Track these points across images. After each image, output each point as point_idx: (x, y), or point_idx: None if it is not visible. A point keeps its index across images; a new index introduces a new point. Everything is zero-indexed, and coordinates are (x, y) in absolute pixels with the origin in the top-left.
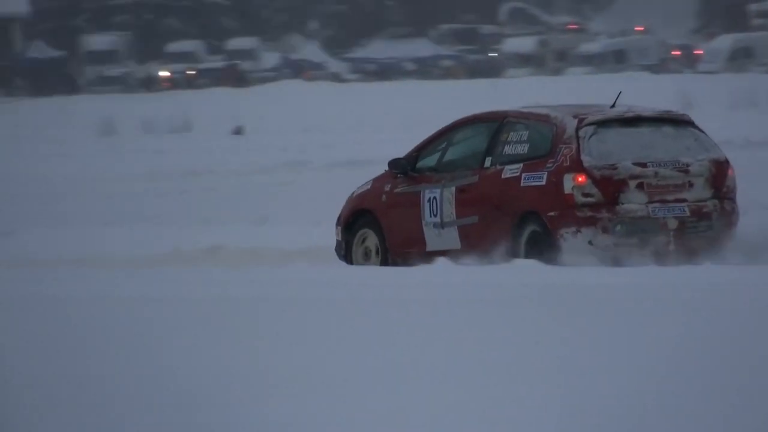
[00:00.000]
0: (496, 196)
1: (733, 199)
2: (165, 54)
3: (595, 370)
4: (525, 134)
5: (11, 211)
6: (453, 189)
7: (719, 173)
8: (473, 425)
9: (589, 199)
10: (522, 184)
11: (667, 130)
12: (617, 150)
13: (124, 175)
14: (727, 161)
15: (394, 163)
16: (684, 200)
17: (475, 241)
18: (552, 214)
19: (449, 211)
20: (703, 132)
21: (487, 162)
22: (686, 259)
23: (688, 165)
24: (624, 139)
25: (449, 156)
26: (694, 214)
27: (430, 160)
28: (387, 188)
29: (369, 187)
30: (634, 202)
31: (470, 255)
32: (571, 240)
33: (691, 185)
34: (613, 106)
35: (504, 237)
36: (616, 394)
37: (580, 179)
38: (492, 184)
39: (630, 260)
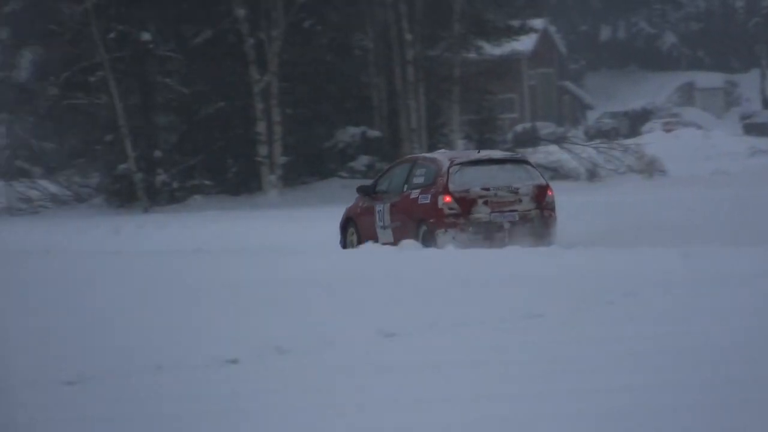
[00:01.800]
0: (408, 209)
1: (551, 209)
2: None
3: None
4: (423, 170)
5: None
6: (389, 204)
7: (540, 193)
8: None
9: (453, 211)
10: (419, 202)
11: (508, 166)
12: (471, 180)
13: None
14: (547, 185)
15: (361, 188)
16: (515, 210)
17: (399, 237)
18: (432, 220)
19: (387, 218)
20: (534, 167)
21: (405, 188)
22: (518, 245)
23: (518, 188)
24: (477, 173)
25: (389, 183)
26: (521, 219)
27: (381, 186)
28: (360, 204)
29: (353, 203)
30: (481, 213)
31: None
32: (442, 236)
33: (520, 201)
34: (478, 152)
35: (412, 234)
36: None
37: (446, 199)
38: (406, 201)
39: (479, 248)
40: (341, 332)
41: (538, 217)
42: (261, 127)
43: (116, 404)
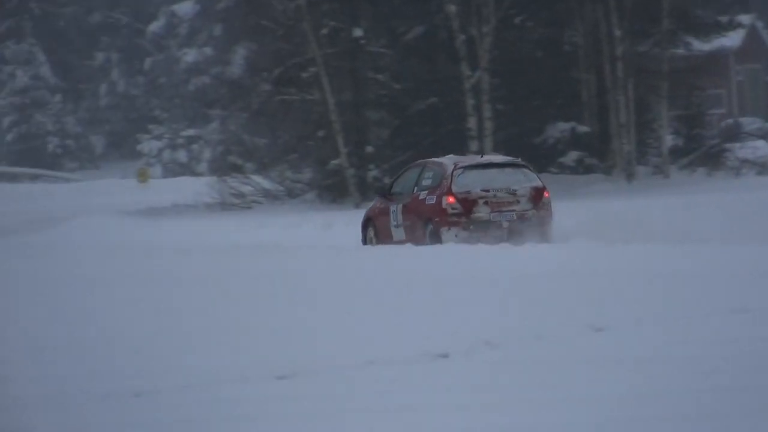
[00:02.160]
0: (417, 209)
1: (547, 209)
2: None
3: None
4: (431, 174)
5: None
6: (401, 205)
7: (537, 195)
8: None
9: (455, 211)
10: (426, 203)
11: (508, 170)
12: (473, 182)
13: None
14: (543, 188)
15: (378, 190)
16: (513, 210)
17: (410, 235)
18: (437, 219)
19: (400, 218)
20: (532, 171)
21: (415, 190)
22: (516, 243)
23: (516, 190)
24: (478, 176)
25: (402, 186)
26: (519, 218)
27: (396, 188)
28: (377, 205)
29: (372, 204)
30: (481, 212)
31: (409, 242)
32: (446, 233)
33: (518, 202)
34: (481, 156)
35: (420, 232)
36: None
37: (450, 200)
38: (416, 202)
39: (480, 244)
40: (550, 326)
41: (534, 216)
42: (472, 122)
43: (326, 399)
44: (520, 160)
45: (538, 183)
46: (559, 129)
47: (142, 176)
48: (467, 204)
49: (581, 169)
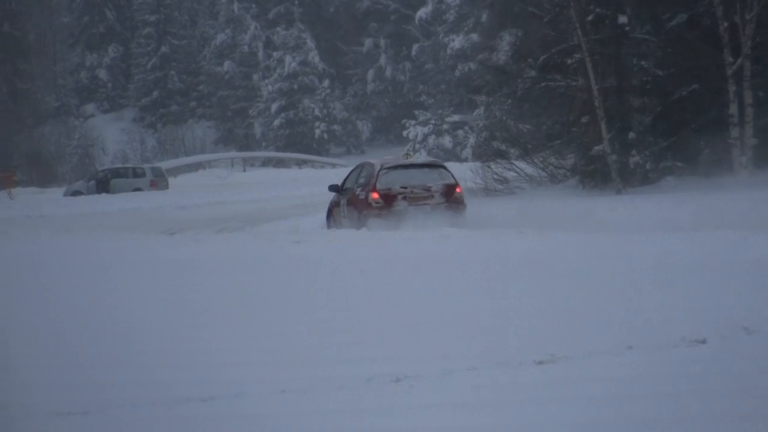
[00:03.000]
0: (355, 203)
1: (459, 203)
2: None
3: None
4: (366, 173)
5: None
6: (346, 199)
7: (449, 190)
8: None
9: (378, 205)
10: (359, 197)
11: (426, 170)
12: (394, 180)
13: None
14: (456, 184)
15: (332, 187)
16: (428, 204)
17: (351, 224)
18: (365, 211)
19: (345, 210)
20: (447, 170)
21: (355, 187)
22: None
23: (431, 186)
24: (399, 175)
25: (349, 183)
26: (433, 210)
27: (345, 185)
28: (334, 199)
29: (332, 198)
30: (400, 206)
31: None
32: (371, 223)
33: (432, 196)
34: (405, 158)
35: (357, 223)
36: None
37: (374, 195)
38: (353, 197)
39: (399, 230)
40: None
41: (446, 208)
42: (733, 109)
43: (583, 384)
44: (438, 161)
45: (451, 180)
46: None
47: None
48: (389, 198)
49: None
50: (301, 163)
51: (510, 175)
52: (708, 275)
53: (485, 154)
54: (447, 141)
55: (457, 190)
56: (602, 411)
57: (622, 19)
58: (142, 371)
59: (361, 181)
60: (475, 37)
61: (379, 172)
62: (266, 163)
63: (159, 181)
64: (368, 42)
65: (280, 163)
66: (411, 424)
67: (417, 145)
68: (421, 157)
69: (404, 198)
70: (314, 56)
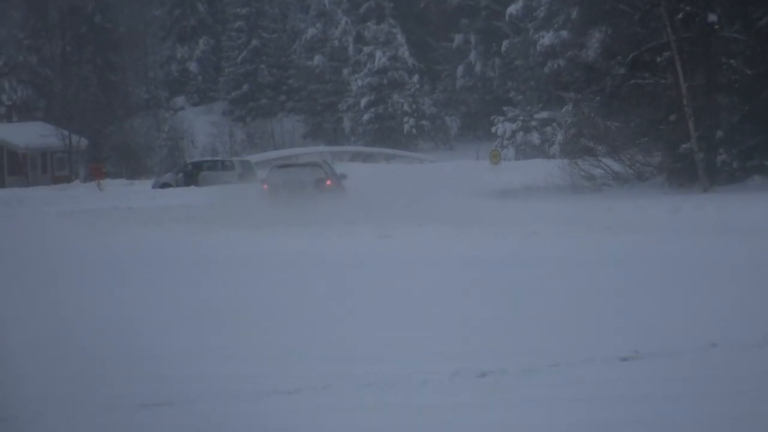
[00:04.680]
0: (261, 193)
1: (327, 191)
2: None
3: None
4: (268, 170)
5: None
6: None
7: (321, 182)
8: None
9: (268, 193)
10: (262, 188)
11: (306, 168)
12: (279, 176)
13: None
14: (327, 178)
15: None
16: (303, 193)
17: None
18: (263, 199)
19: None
20: (322, 168)
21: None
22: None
23: (307, 180)
24: (284, 172)
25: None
26: (309, 197)
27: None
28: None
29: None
30: (281, 195)
31: None
32: (267, 207)
33: (306, 187)
34: (295, 159)
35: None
36: None
37: (264, 187)
38: (261, 188)
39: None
40: None
41: (320, 197)
42: None
43: (668, 382)
44: (319, 161)
45: (323, 176)
46: None
47: (495, 158)
48: (273, 189)
49: None
50: (389, 158)
51: (597, 172)
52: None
53: (573, 151)
54: (535, 137)
55: (327, 182)
56: (684, 408)
57: (712, 17)
58: (225, 364)
59: (265, 176)
60: (564, 33)
61: (270, 169)
62: (355, 157)
63: (247, 174)
64: (458, 38)
65: (368, 158)
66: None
67: (505, 141)
68: (306, 158)
69: (285, 189)
70: (404, 51)
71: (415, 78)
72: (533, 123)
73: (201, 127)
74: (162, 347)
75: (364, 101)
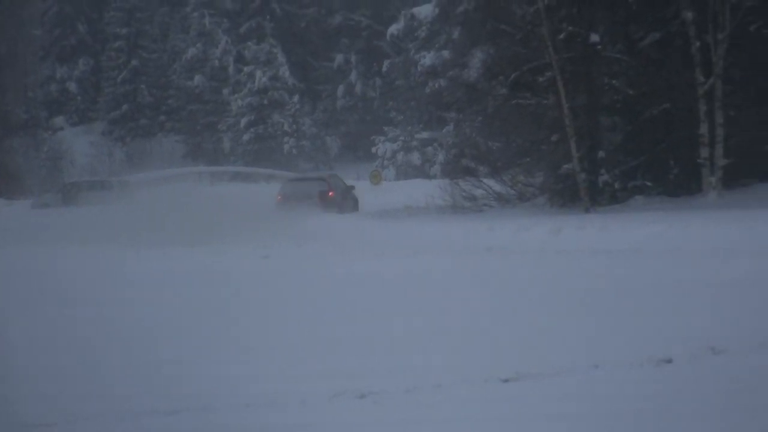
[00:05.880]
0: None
1: (329, 202)
2: None
3: None
4: (280, 184)
5: None
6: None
7: (324, 194)
8: None
9: (280, 203)
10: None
11: (312, 182)
12: (289, 189)
13: None
14: (329, 191)
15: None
16: (307, 203)
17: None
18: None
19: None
20: (326, 182)
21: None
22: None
23: (312, 192)
24: (293, 185)
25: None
26: (315, 207)
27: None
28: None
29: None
30: (290, 204)
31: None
32: (279, 214)
33: (311, 198)
34: (304, 174)
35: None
36: None
37: (278, 198)
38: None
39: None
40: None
41: (318, 206)
42: (704, 129)
43: (553, 402)
44: (323, 175)
45: (325, 189)
46: None
47: (375, 178)
48: (284, 199)
49: None
50: (268, 178)
51: (478, 192)
52: (674, 297)
53: (454, 171)
54: (416, 158)
55: (330, 194)
56: (566, 429)
57: (594, 37)
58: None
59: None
60: (446, 53)
61: (283, 183)
62: (234, 177)
63: (126, 194)
64: (339, 57)
65: (248, 178)
66: None
67: (386, 162)
68: (314, 174)
69: (293, 200)
70: (285, 71)
71: (296, 98)
72: (414, 143)
73: (80, 147)
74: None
75: (244, 121)
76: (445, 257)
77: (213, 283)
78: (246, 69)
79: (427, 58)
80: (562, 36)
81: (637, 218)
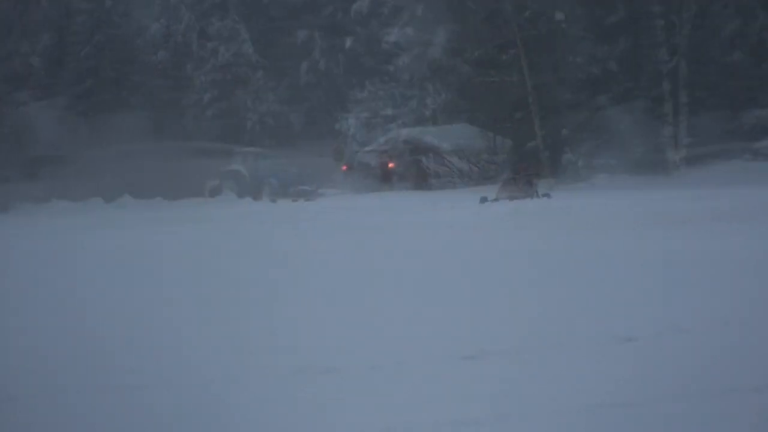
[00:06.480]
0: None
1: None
2: None
3: None
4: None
5: None
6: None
7: (384, 165)
8: None
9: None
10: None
11: (372, 153)
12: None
13: None
14: (389, 163)
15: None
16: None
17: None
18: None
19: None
20: (387, 153)
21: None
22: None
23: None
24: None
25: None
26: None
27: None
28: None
29: None
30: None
31: None
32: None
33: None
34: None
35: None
36: None
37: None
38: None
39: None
40: (736, 312)
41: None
42: (667, 107)
43: (511, 381)
44: (388, 148)
45: (386, 160)
46: (754, 115)
47: (338, 154)
48: (350, 170)
49: None
50: (231, 154)
51: (442, 170)
52: (635, 274)
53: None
54: (379, 134)
55: (390, 165)
56: (523, 407)
57: (559, 15)
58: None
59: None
60: (410, 31)
61: (350, 154)
62: (198, 153)
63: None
64: (302, 34)
65: (211, 155)
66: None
67: (349, 138)
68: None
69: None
70: (248, 47)
71: (259, 74)
72: (378, 120)
73: (44, 122)
74: None
75: (207, 97)
76: (403, 232)
77: None
78: (209, 45)
79: (392, 35)
80: (527, 14)
81: (599, 196)
